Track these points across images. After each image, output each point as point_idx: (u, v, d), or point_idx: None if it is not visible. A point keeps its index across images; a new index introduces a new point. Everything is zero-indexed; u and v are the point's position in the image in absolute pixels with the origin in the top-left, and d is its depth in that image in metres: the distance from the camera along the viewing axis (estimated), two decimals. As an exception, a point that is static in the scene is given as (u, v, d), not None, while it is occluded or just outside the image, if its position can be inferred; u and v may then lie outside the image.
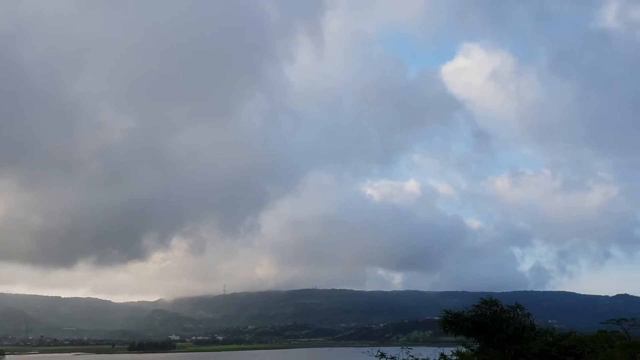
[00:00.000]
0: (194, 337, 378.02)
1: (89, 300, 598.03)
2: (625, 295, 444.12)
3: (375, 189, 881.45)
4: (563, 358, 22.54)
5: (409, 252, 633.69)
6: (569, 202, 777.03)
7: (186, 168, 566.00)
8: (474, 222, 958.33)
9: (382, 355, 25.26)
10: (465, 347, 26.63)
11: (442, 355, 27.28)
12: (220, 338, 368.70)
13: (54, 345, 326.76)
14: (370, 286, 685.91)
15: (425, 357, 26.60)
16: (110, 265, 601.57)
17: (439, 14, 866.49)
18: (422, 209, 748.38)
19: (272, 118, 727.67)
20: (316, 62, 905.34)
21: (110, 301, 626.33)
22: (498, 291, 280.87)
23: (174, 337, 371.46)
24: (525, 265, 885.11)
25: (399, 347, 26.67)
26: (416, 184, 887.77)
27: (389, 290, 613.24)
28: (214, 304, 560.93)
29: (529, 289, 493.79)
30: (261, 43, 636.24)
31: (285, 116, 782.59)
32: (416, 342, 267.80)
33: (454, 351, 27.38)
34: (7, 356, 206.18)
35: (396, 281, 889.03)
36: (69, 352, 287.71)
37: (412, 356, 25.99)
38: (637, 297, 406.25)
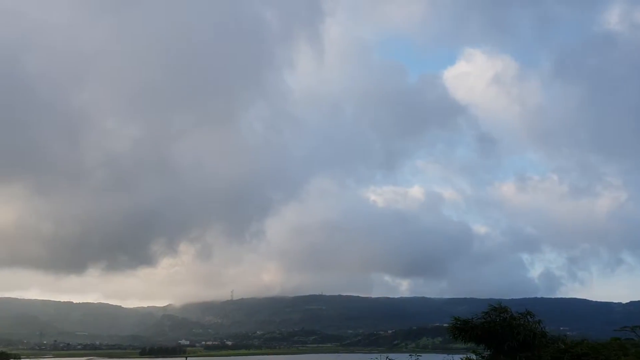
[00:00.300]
0: (203, 342, 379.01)
1: (100, 305, 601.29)
2: (639, 302, 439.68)
3: (379, 195, 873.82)
4: (576, 366, 22.11)
5: (415, 258, 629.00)
6: (578, 207, 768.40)
7: (190, 175, 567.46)
8: (480, 228, 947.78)
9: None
10: (476, 355, 26.38)
11: (452, 363, 26.99)
12: (229, 343, 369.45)
13: (67, 350, 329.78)
14: (377, 292, 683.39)
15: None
16: (120, 271, 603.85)
17: (438, 20, 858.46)
18: (427, 215, 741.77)
19: (274, 124, 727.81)
20: (316, 68, 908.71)
21: (120, 306, 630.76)
22: (507, 298, 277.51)
23: (183, 342, 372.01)
24: (535, 272, 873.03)
25: (408, 354, 26.45)
26: (420, 189, 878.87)
27: (396, 296, 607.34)
28: (221, 309, 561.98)
29: (539, 296, 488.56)
30: (262, 50, 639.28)
31: (287, 122, 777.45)
32: (425, 349, 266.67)
33: (464, 358, 27.11)
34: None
35: (403, 287, 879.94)
36: (82, 357, 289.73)
37: (422, 363, 25.71)
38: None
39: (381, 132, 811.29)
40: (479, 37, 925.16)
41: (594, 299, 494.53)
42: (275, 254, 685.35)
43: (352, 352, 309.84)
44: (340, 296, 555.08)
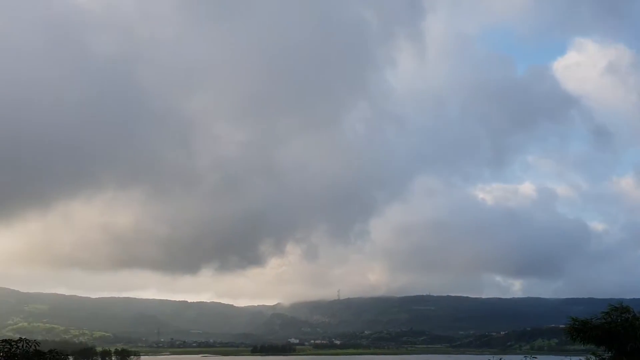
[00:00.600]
0: (312, 341, 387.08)
1: (213, 304, 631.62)
2: None
3: (488, 193, 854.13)
4: None
5: (528, 258, 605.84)
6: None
7: (296, 177, 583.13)
8: (598, 225, 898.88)
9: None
10: (596, 356, 25.80)
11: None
12: (337, 342, 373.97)
13: (183, 347, 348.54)
14: (487, 293, 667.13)
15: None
16: (231, 271, 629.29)
17: (545, 10, 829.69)
18: (540, 213, 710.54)
19: (376, 125, 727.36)
20: (418, 66, 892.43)
21: (232, 305, 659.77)
22: (628, 297, 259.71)
23: (293, 340, 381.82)
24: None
25: (522, 356, 26.19)
26: (532, 186, 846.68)
27: (507, 297, 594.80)
28: (329, 308, 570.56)
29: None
30: (363, 51, 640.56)
31: (389, 122, 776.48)
32: (541, 351, 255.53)
33: (583, 360, 26.38)
34: (142, 357, 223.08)
35: (515, 288, 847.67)
36: (197, 354, 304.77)
37: (538, 365, 25.31)
38: None
39: (488, 127, 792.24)
40: (590, 26, 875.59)
41: None
42: (380, 253, 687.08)
43: (463, 353, 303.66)
44: (448, 297, 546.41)
